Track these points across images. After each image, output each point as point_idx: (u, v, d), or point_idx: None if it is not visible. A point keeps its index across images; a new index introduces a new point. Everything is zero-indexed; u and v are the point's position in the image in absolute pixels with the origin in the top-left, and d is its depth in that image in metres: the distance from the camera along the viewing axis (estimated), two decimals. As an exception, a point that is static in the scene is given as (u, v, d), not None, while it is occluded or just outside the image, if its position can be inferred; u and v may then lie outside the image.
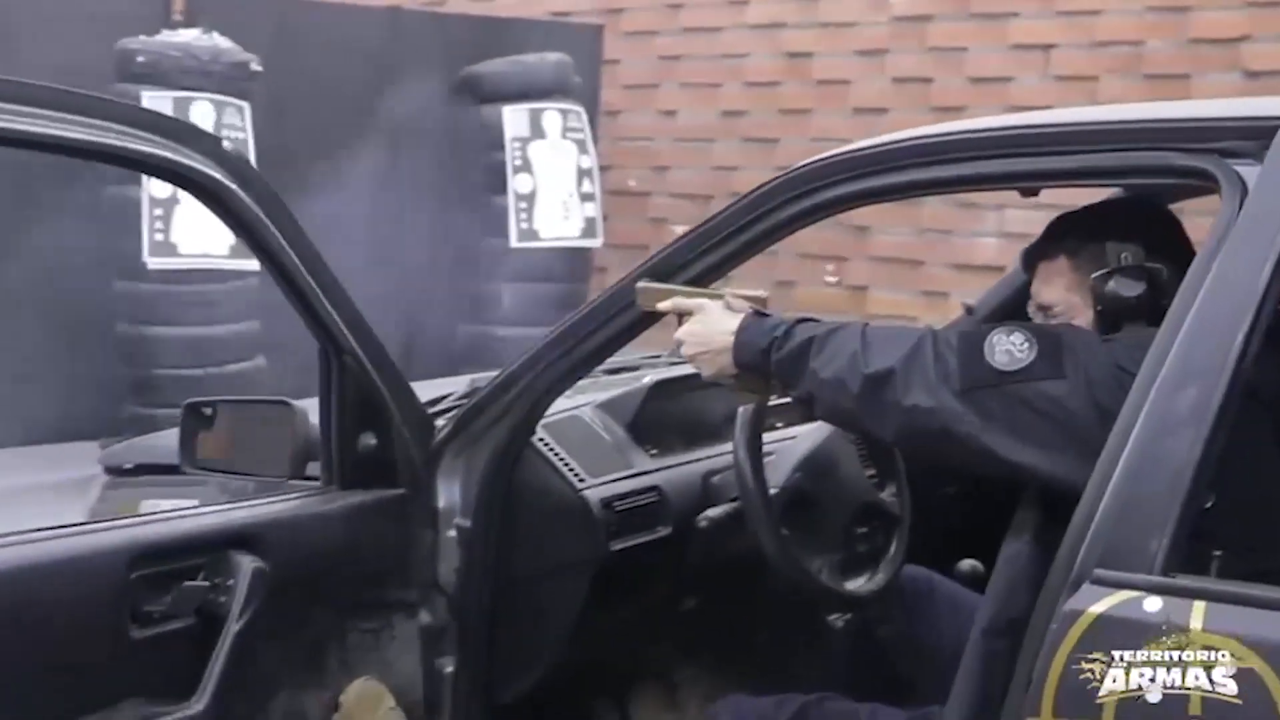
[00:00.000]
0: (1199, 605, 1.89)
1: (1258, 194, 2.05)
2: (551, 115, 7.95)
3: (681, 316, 2.60)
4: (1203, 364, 2.00)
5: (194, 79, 6.62)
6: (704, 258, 2.64)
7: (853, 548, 2.98)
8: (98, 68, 6.57)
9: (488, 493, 2.87)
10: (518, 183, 7.88)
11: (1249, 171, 2.08)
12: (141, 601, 2.40)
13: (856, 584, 2.94)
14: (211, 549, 2.52)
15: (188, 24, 6.99)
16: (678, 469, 3.17)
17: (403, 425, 2.82)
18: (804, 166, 2.55)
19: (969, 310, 3.27)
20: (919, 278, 7.55)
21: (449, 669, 2.89)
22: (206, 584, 2.48)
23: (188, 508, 2.74)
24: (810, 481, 2.92)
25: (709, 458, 3.17)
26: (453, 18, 9.00)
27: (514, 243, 7.87)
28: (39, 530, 2.39)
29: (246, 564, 2.51)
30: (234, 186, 2.56)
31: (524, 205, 7.90)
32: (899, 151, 2.47)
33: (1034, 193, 2.62)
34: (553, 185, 7.96)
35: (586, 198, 8.07)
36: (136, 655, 2.40)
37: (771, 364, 2.45)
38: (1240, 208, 2.06)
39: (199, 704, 2.43)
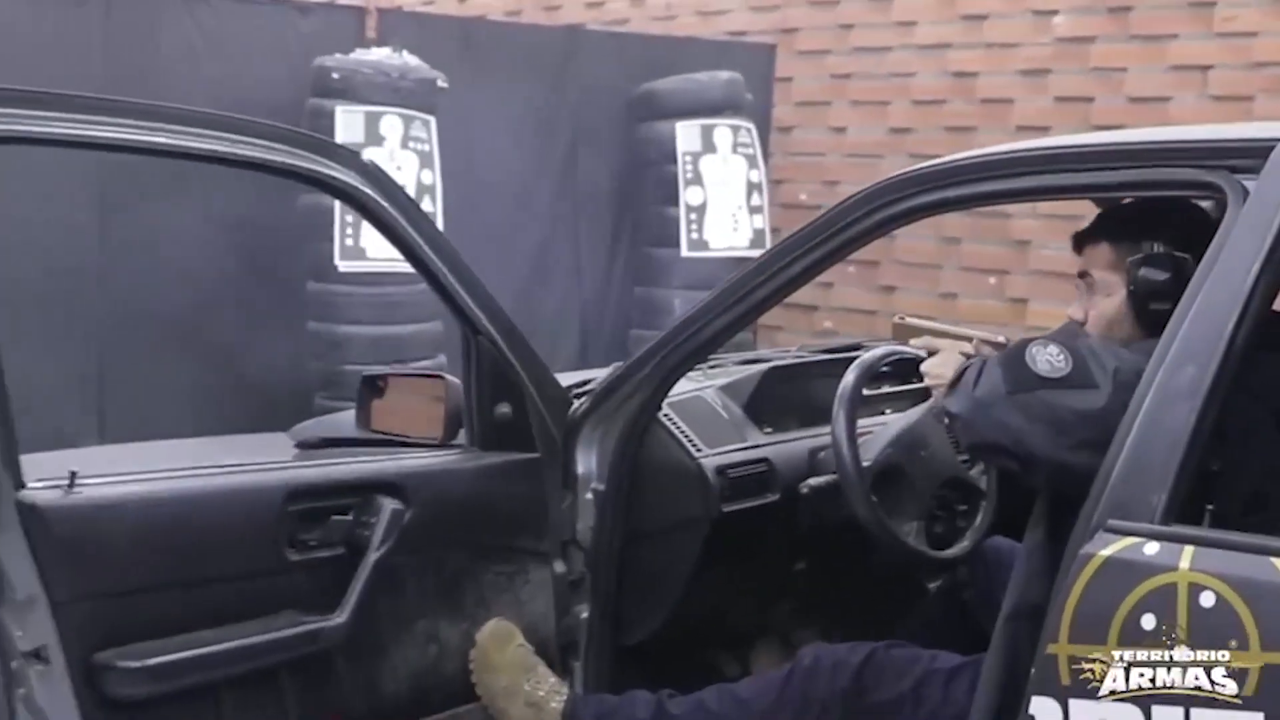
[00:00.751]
0: (1189, 549, 2.24)
1: (1252, 202, 2.40)
2: (722, 131, 8.24)
3: (930, 351, 2.95)
4: (1200, 347, 2.35)
5: (384, 94, 6.94)
6: (805, 256, 3.07)
7: (940, 517, 3.36)
8: (298, 84, 7.04)
9: (619, 460, 3.30)
10: (689, 195, 8.19)
11: (1251, 184, 2.43)
12: (298, 531, 2.91)
13: (942, 549, 3.32)
14: (360, 492, 3.02)
15: (380, 43, 7.33)
16: (788, 444, 3.57)
17: (538, 398, 3.26)
18: (887, 181, 2.95)
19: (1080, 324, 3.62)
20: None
21: (585, 614, 3.32)
22: (351, 519, 2.97)
23: (345, 459, 3.24)
24: (900, 456, 3.29)
25: (818, 436, 3.53)
26: (631, 36, 9.30)
27: (684, 252, 8.17)
28: (216, 466, 2.96)
29: (387, 505, 2.99)
30: (373, 193, 3.07)
31: (694, 217, 8.20)
32: (965, 168, 2.87)
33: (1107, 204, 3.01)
34: (722, 198, 8.25)
35: (755, 210, 8.35)
36: (292, 574, 2.90)
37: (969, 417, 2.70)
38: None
39: (341, 617, 2.89)
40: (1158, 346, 2.42)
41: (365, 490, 3.03)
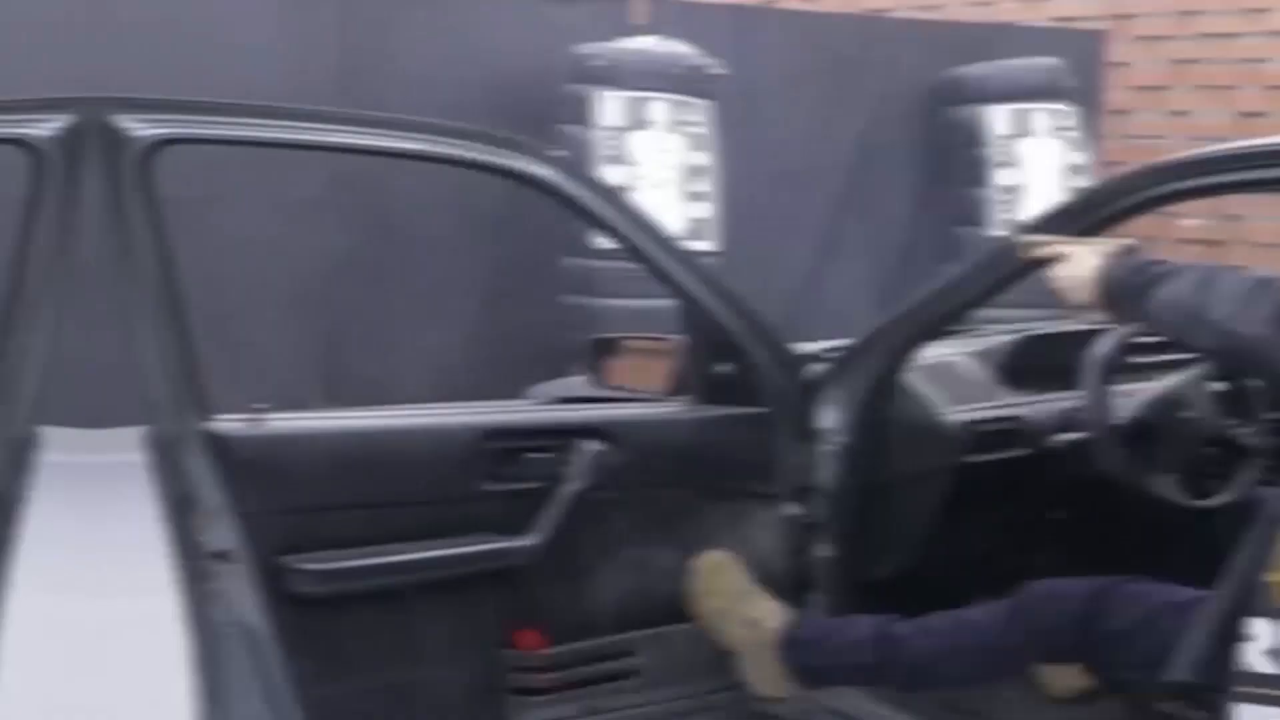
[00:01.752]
0: None
1: None
2: (1039, 115, 8.39)
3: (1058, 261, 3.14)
4: None
5: (650, 80, 7.34)
6: (1062, 232, 3.19)
7: (1198, 470, 3.59)
8: (556, 71, 7.32)
9: (862, 415, 3.59)
10: (1002, 177, 8.36)
11: None
12: (499, 464, 3.34)
13: (1198, 499, 3.56)
14: (565, 435, 3.44)
15: (649, 32, 7.63)
16: (1041, 404, 3.82)
17: (766, 359, 3.62)
18: (1140, 169, 3.18)
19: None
20: None
21: (825, 555, 3.62)
22: (553, 458, 3.39)
23: (553, 408, 3.76)
24: (1155, 415, 3.55)
25: (1073, 399, 3.67)
26: (935, 23, 9.60)
27: (995, 232, 8.20)
28: (421, 408, 3.53)
29: (587, 446, 3.41)
30: (565, 182, 3.42)
31: (1007, 198, 8.37)
32: (1211, 159, 3.09)
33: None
34: (1038, 180, 8.37)
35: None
36: (488, 502, 3.34)
37: (1129, 291, 2.94)
38: None
39: (532, 539, 3.32)
40: None
41: (569, 434, 3.45)
